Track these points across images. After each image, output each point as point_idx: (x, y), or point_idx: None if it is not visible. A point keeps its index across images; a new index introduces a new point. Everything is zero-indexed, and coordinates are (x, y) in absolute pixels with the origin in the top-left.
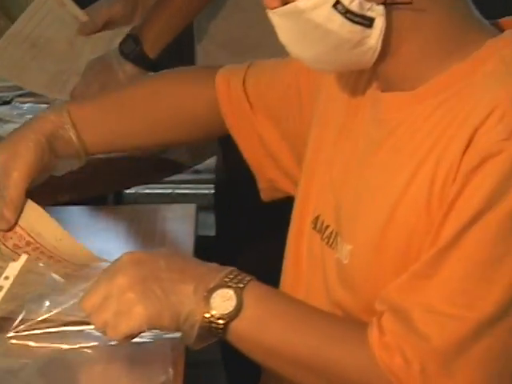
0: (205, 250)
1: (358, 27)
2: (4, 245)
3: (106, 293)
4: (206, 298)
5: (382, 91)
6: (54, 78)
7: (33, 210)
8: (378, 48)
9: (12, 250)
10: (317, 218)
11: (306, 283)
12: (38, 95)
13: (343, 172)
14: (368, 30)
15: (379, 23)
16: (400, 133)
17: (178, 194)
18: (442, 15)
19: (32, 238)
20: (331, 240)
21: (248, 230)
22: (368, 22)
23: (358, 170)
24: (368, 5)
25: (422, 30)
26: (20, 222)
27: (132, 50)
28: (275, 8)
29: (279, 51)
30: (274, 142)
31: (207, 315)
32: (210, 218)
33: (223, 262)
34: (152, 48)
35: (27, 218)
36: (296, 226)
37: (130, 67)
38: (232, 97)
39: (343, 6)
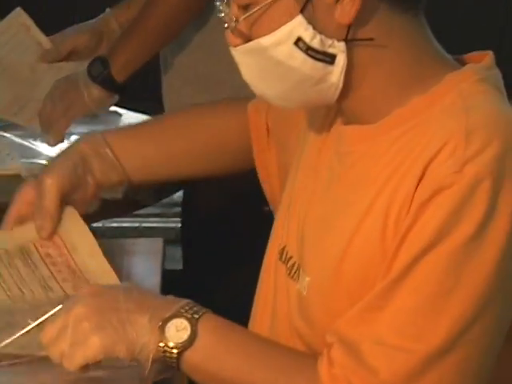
0: (172, 283)
1: (320, 64)
2: (37, 250)
3: (63, 324)
4: (161, 328)
5: (345, 125)
6: (12, 101)
7: (73, 221)
8: (340, 84)
9: (42, 258)
10: (283, 249)
11: (272, 313)
12: None
13: (307, 204)
14: (330, 67)
15: (341, 60)
16: (360, 166)
17: (145, 227)
18: (402, 51)
19: (67, 249)
20: (293, 271)
21: (215, 263)
22: (329, 59)
23: (320, 202)
24: (329, 41)
25: (383, 66)
26: (59, 231)
27: (100, 73)
28: (238, 46)
29: (244, 88)
30: (274, 172)
31: (161, 344)
32: (178, 252)
33: (190, 296)
34: (120, 72)
35: (66, 227)
36: (267, 256)
37: (96, 89)
38: (257, 126)
39: (304, 43)
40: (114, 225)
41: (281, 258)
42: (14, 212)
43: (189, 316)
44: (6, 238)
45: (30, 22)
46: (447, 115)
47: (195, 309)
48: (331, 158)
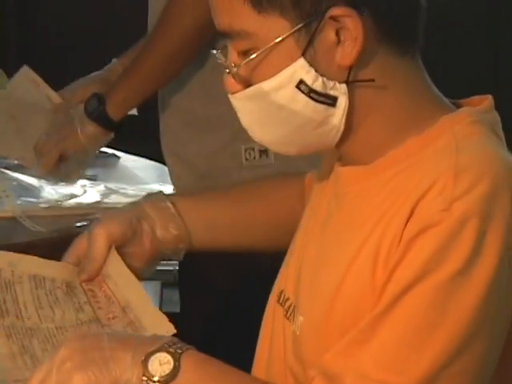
0: None
1: (322, 106)
2: (81, 285)
3: (49, 367)
4: (144, 362)
5: (343, 166)
6: (18, 144)
7: (116, 264)
8: (342, 127)
9: (84, 291)
10: (281, 292)
11: (268, 355)
12: None
13: (304, 246)
14: (331, 109)
15: (342, 102)
16: (354, 206)
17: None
18: (401, 93)
19: (109, 288)
20: (289, 312)
21: (212, 307)
22: (331, 101)
23: (315, 243)
24: (331, 84)
25: (382, 108)
26: (103, 273)
27: (95, 109)
28: (237, 92)
29: (242, 131)
30: None
31: (144, 378)
32: (175, 295)
33: (187, 339)
34: (116, 111)
35: (109, 270)
36: (269, 300)
37: (90, 125)
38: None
39: (307, 86)
40: None
41: (279, 301)
42: (67, 259)
43: (172, 351)
44: (57, 269)
45: (38, 78)
46: (439, 155)
47: (179, 345)
48: (330, 199)
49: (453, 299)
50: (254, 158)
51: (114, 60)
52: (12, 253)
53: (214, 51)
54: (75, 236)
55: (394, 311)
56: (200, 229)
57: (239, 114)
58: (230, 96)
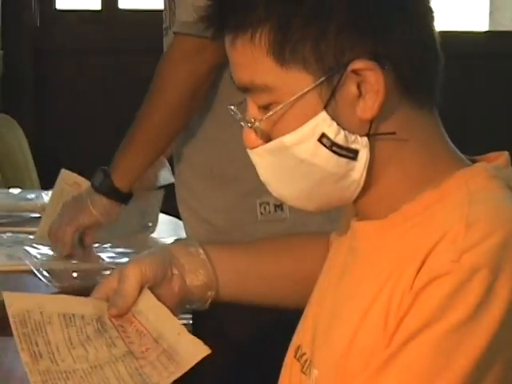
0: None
1: (343, 160)
2: (112, 321)
3: None
4: None
5: (358, 220)
6: None
7: (148, 301)
8: (362, 181)
9: (114, 327)
10: (298, 347)
11: None
12: (15, 225)
13: (321, 300)
14: (352, 163)
15: (363, 155)
16: (368, 260)
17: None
18: (420, 146)
19: (142, 325)
20: (305, 367)
21: (228, 360)
22: (352, 155)
23: (330, 297)
24: (352, 137)
25: (401, 162)
26: (134, 310)
27: (101, 183)
28: (257, 147)
29: (257, 185)
30: None
31: None
32: None
33: None
34: (121, 182)
35: (140, 307)
36: (286, 355)
37: (99, 199)
38: None
39: (329, 140)
40: None
41: (296, 356)
42: (96, 295)
43: None
44: (85, 306)
45: (78, 178)
46: (452, 208)
47: None
48: (346, 254)
49: (458, 347)
50: (269, 212)
51: None
52: (38, 294)
53: (232, 107)
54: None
55: (399, 358)
56: (229, 279)
57: (258, 169)
58: (248, 151)
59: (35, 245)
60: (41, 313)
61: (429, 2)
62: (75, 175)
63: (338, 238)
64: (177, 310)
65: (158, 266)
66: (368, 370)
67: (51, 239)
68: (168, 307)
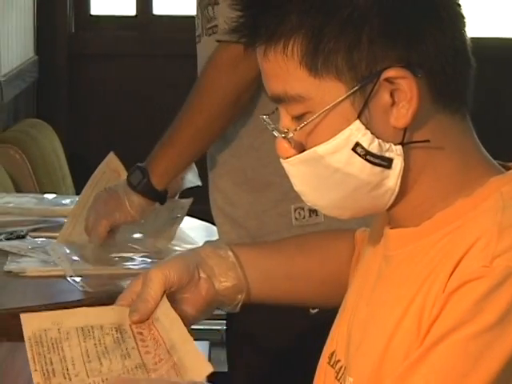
0: None
1: (378, 169)
2: (131, 329)
3: None
4: None
5: (392, 228)
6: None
7: (166, 309)
8: (397, 189)
9: (133, 335)
10: (332, 354)
11: None
12: (50, 231)
13: (355, 307)
14: (387, 171)
15: (398, 164)
16: (403, 268)
17: (190, 329)
18: (453, 153)
19: (158, 331)
20: (340, 374)
21: (260, 366)
22: (387, 163)
23: (365, 304)
24: (387, 145)
25: (435, 169)
26: (154, 316)
27: (139, 182)
28: (290, 157)
29: (292, 190)
30: None
31: None
32: (223, 354)
33: None
34: (159, 181)
35: (158, 313)
36: (320, 361)
37: (136, 198)
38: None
39: (363, 149)
40: None
41: (329, 362)
42: (120, 301)
43: None
44: (104, 315)
45: (121, 167)
46: (485, 215)
47: None
48: (380, 262)
49: (485, 352)
50: (304, 217)
51: None
52: (57, 311)
53: (264, 116)
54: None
55: (428, 360)
56: (258, 280)
57: (292, 179)
58: (282, 161)
59: (67, 248)
60: (58, 329)
61: (460, 8)
62: (119, 163)
63: (371, 246)
64: (204, 314)
65: (183, 270)
66: (398, 370)
67: (86, 228)
68: (194, 311)
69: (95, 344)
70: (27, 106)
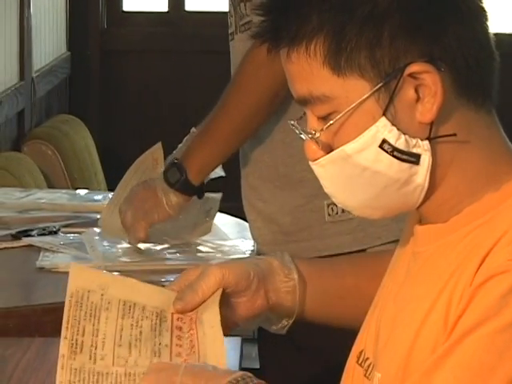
0: None
1: (406, 165)
2: (172, 319)
3: None
4: None
5: (420, 225)
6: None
7: (213, 306)
8: (426, 185)
9: (171, 329)
10: (361, 352)
11: None
12: (82, 226)
13: (383, 306)
14: (415, 168)
15: (426, 159)
16: (431, 263)
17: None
18: (480, 147)
19: (196, 330)
20: (368, 372)
21: (292, 363)
22: (415, 159)
23: (393, 302)
24: (413, 141)
25: (462, 164)
26: (198, 317)
27: (177, 180)
28: (318, 159)
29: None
30: None
31: None
32: (254, 350)
33: None
34: (197, 177)
35: (205, 308)
36: (348, 360)
37: (174, 195)
38: None
39: (390, 145)
40: None
41: (358, 361)
42: (172, 285)
43: None
44: (151, 295)
45: (161, 158)
46: None
47: (250, 379)
48: (409, 260)
49: (510, 346)
50: (337, 213)
51: (193, 129)
52: (107, 273)
53: (292, 121)
54: None
55: (454, 354)
56: (315, 298)
57: (322, 181)
58: (311, 164)
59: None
60: (102, 295)
61: (481, 2)
62: (161, 155)
63: (401, 246)
64: (248, 324)
65: (242, 275)
66: (425, 364)
67: (124, 224)
68: (241, 318)
69: (132, 325)
70: (59, 102)
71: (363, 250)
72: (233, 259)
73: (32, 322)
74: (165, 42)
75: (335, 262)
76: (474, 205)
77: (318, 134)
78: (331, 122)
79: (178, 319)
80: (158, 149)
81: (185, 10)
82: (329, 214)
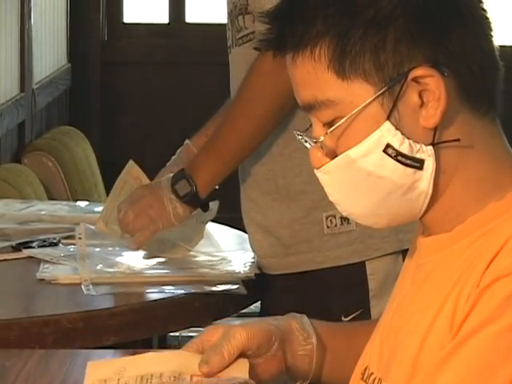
0: None
1: (410, 170)
2: (191, 379)
3: None
4: None
5: (424, 236)
6: None
7: (239, 370)
8: (430, 192)
9: None
10: (365, 369)
11: None
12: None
13: (389, 318)
14: (419, 173)
15: (430, 165)
16: (435, 273)
17: None
18: (484, 154)
19: None
20: None
21: None
22: (418, 164)
23: (399, 314)
24: (417, 146)
25: (466, 172)
26: (222, 380)
27: (187, 193)
28: (323, 165)
29: (323, 198)
30: None
31: None
32: None
33: None
34: (205, 190)
35: (229, 372)
36: (352, 376)
37: (181, 209)
38: None
39: (394, 150)
40: (191, 334)
41: (362, 378)
42: (190, 346)
43: None
44: (169, 360)
45: (141, 173)
46: None
47: None
48: (413, 273)
49: None
50: (336, 225)
51: (187, 141)
52: (121, 359)
53: (297, 132)
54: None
55: (459, 354)
56: (332, 362)
57: (326, 189)
58: (316, 171)
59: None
60: (118, 380)
61: (485, 12)
62: (139, 170)
63: (407, 262)
64: (264, 382)
65: (264, 339)
66: (430, 364)
67: (124, 231)
68: (258, 378)
69: None
70: (60, 113)
71: (362, 262)
72: (255, 321)
73: (32, 333)
74: (165, 53)
75: (348, 326)
76: (478, 214)
77: (322, 138)
78: (334, 126)
79: (196, 382)
80: (132, 167)
81: (185, 22)
82: (328, 227)
